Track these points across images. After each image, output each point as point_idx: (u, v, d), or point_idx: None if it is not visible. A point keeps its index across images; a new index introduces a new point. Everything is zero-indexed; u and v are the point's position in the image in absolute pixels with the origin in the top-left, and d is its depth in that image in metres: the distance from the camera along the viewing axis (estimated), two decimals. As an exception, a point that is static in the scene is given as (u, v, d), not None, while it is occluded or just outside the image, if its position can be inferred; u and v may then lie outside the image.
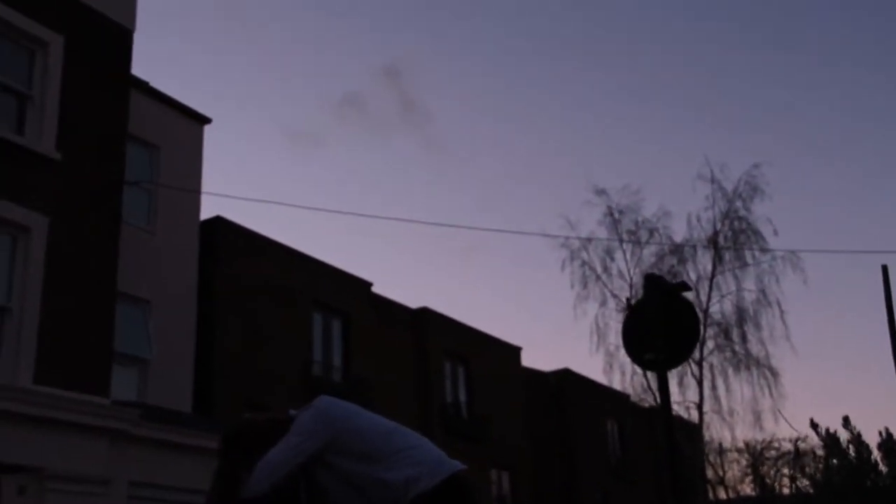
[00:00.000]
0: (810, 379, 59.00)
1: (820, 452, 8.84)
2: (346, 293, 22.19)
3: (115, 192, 14.69)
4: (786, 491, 29.84)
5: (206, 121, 19.30)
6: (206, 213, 19.01)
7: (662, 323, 8.80)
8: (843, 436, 8.67)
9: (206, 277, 18.25)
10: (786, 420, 21.60)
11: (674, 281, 11.78)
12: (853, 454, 8.47)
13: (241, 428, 3.86)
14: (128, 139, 15.42)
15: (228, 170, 69.37)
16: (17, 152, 13.37)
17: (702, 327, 22.59)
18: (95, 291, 13.95)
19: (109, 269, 14.27)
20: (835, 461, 8.49)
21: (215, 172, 64.36)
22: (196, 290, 17.77)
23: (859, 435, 8.51)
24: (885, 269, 9.61)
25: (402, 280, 71.87)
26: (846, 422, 8.63)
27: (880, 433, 8.57)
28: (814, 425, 8.69)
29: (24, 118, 13.85)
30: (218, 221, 19.46)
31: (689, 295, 10.25)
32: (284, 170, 76.93)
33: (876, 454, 8.57)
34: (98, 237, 14.21)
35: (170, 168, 17.83)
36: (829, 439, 8.48)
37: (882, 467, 8.41)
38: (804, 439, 25.99)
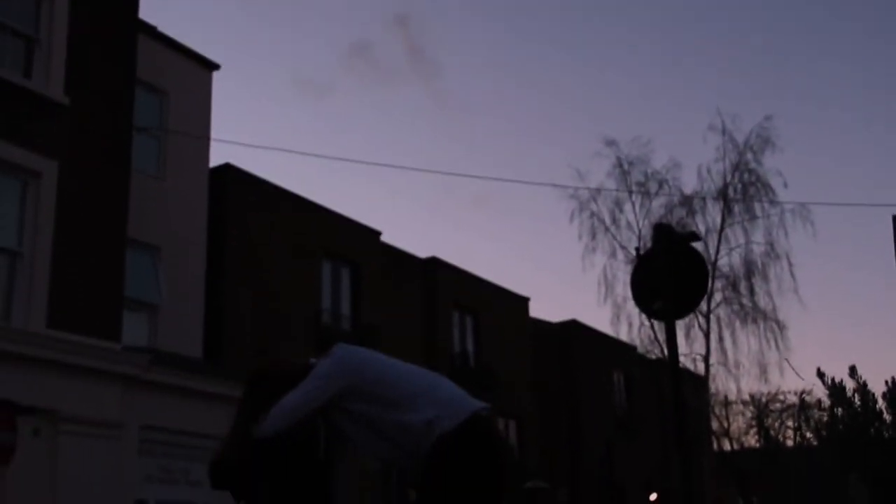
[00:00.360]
0: (817, 332, 59.16)
1: (826, 402, 8.96)
2: (355, 242, 22.21)
3: (125, 138, 14.67)
4: (789, 443, 30.10)
5: (215, 67, 19.17)
6: (215, 161, 19.01)
7: (671, 273, 8.79)
8: (850, 385, 8.77)
9: (215, 225, 18.29)
10: (793, 368, 21.91)
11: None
12: (858, 403, 8.52)
13: (265, 369, 3.89)
14: (136, 85, 15.36)
15: (237, 118, 69.14)
16: (24, 96, 13.34)
17: (710, 279, 22.63)
18: (105, 237, 14.01)
19: (119, 215, 14.31)
20: (840, 410, 8.53)
21: (224, 120, 64.12)
22: (206, 238, 17.82)
23: (865, 384, 8.57)
24: (895, 219, 9.58)
25: (412, 230, 71.98)
26: (852, 371, 8.71)
27: (886, 382, 8.68)
28: (820, 374, 8.80)
29: (32, 62, 13.79)
30: (227, 169, 19.43)
31: (698, 247, 10.23)
32: (293, 118, 76.65)
33: (881, 403, 8.62)
34: (108, 183, 14.22)
35: (178, 115, 17.77)
36: (835, 388, 8.52)
37: (886, 416, 8.46)
38: (809, 392, 26.12)
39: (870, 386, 8.77)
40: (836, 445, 8.70)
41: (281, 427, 3.60)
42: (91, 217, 13.83)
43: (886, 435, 8.32)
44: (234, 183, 19.48)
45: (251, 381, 3.85)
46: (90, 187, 13.90)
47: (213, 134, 18.58)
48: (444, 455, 3.43)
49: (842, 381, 8.63)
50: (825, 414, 8.86)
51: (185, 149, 17.70)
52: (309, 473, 3.73)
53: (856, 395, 8.49)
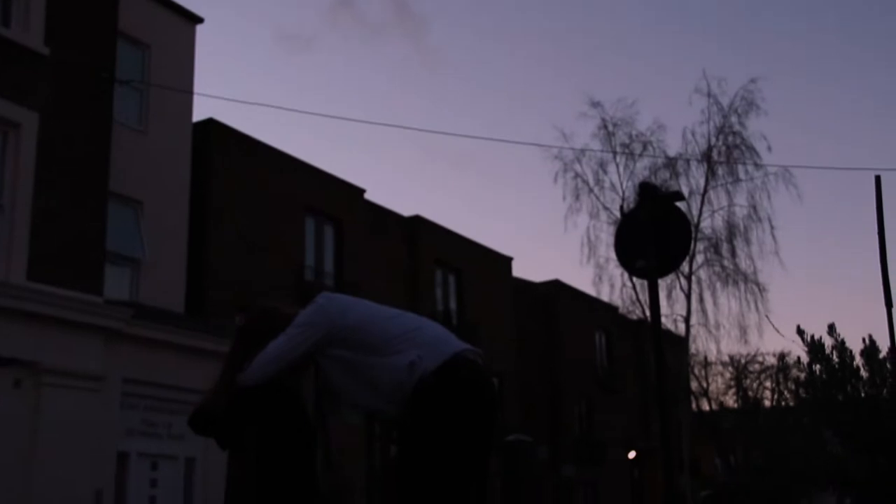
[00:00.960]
0: (798, 294, 59.75)
1: (805, 359, 9.10)
2: (338, 199, 22.15)
3: (107, 90, 14.50)
4: (767, 403, 30.46)
5: (198, 20, 18.92)
6: (198, 116, 18.84)
7: (655, 231, 8.83)
8: (828, 342, 8.89)
9: (198, 180, 18.17)
10: (773, 325, 22.19)
11: (667, 193, 11.73)
12: (836, 360, 8.67)
13: (255, 315, 3.89)
14: (118, 37, 15.15)
15: (220, 72, 68.43)
16: (3, 46, 13.12)
17: (693, 241, 22.73)
18: (87, 189, 13.89)
19: (101, 168, 14.19)
20: (818, 367, 8.67)
21: (207, 75, 63.47)
22: (188, 193, 17.71)
23: (843, 342, 8.69)
24: (877, 179, 9.65)
25: (395, 188, 71.84)
26: (831, 329, 8.82)
27: (863, 340, 8.79)
28: (800, 332, 8.89)
29: (10, 11, 13.56)
30: (210, 124, 19.28)
31: (681, 207, 10.24)
32: (276, 73, 75.96)
33: (858, 360, 8.78)
34: (89, 135, 14.08)
35: (161, 68, 17.56)
36: (814, 345, 8.67)
37: (863, 373, 8.61)
38: (788, 354, 26.37)
39: (848, 344, 9.00)
40: (814, 403, 8.84)
41: (264, 375, 3.60)
42: (72, 169, 13.70)
43: (863, 392, 8.47)
44: (217, 138, 19.34)
45: (240, 329, 3.85)
46: (71, 139, 13.76)
47: (196, 88, 18.41)
48: (425, 396, 3.41)
49: (821, 338, 8.81)
50: (803, 371, 8.99)
51: (168, 103, 17.52)
52: (297, 421, 3.74)
53: (834, 352, 8.64)
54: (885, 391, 8.72)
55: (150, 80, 17.16)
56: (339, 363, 3.57)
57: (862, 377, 8.79)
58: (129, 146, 16.21)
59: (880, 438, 8.53)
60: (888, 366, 8.74)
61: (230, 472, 3.84)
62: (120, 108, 15.88)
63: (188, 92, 17.77)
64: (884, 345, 9.51)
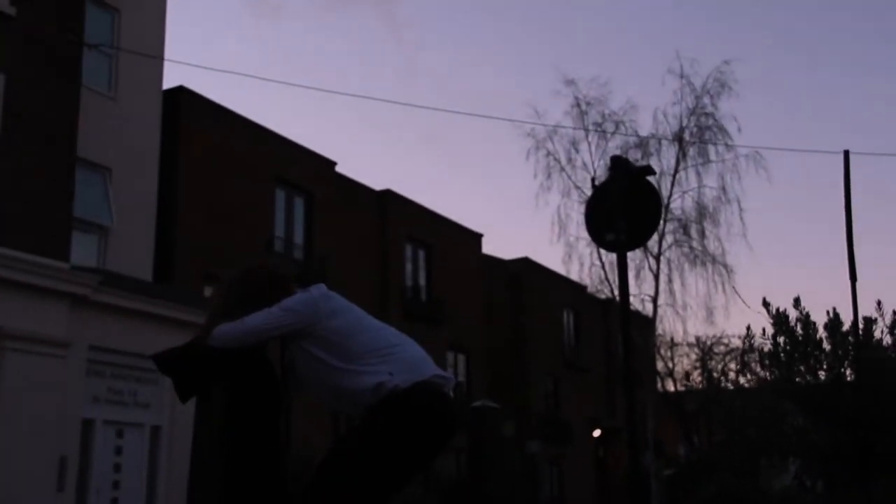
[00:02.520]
0: (765, 274, 60.44)
1: (770, 331, 9.25)
2: (309, 171, 22.04)
3: (75, 54, 14.28)
4: (731, 386, 30.83)
5: (169, -15, 18.65)
6: (168, 84, 18.61)
7: (625, 204, 8.88)
8: (793, 315, 9.01)
9: (168, 148, 17.98)
10: (740, 297, 22.40)
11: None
12: (800, 332, 8.79)
13: (249, 272, 3.85)
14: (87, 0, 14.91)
15: (191, 40, 67.64)
16: (-30, 5, 12.88)
17: (662, 220, 22.85)
18: (54, 154, 13.71)
19: (69, 132, 14.00)
20: (782, 339, 8.80)
21: (177, 42, 62.73)
22: (158, 160, 17.52)
23: (808, 315, 8.80)
24: (846, 154, 9.77)
25: (367, 161, 71.54)
26: (796, 302, 8.94)
27: (827, 313, 8.91)
28: (765, 304, 8.99)
29: (-24, -31, 13.30)
30: (181, 91, 19.07)
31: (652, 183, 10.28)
32: (247, 42, 75.23)
33: (822, 333, 8.93)
34: (57, 98, 13.87)
35: (131, 33, 17.31)
36: (779, 317, 8.77)
37: (826, 345, 8.75)
38: (753, 337, 26.67)
39: (813, 318, 9.12)
40: (778, 379, 8.96)
41: (233, 344, 3.58)
42: (39, 133, 13.50)
43: (825, 364, 8.61)
44: (187, 106, 19.14)
45: (230, 282, 3.81)
46: (39, 102, 13.55)
47: (167, 55, 18.18)
48: (386, 407, 3.40)
49: (785, 310, 8.93)
50: (768, 341, 9.13)
51: (138, 69, 17.28)
52: (266, 382, 3.73)
53: (798, 324, 8.76)
54: (846, 363, 8.87)
55: (120, 45, 16.91)
56: (308, 357, 3.57)
57: (825, 349, 8.93)
58: (98, 112, 16.00)
59: (841, 413, 8.68)
60: (850, 339, 8.89)
61: (196, 432, 3.81)
62: (89, 73, 15.64)
63: (158, 58, 17.54)
64: (848, 319, 9.69)
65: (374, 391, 3.41)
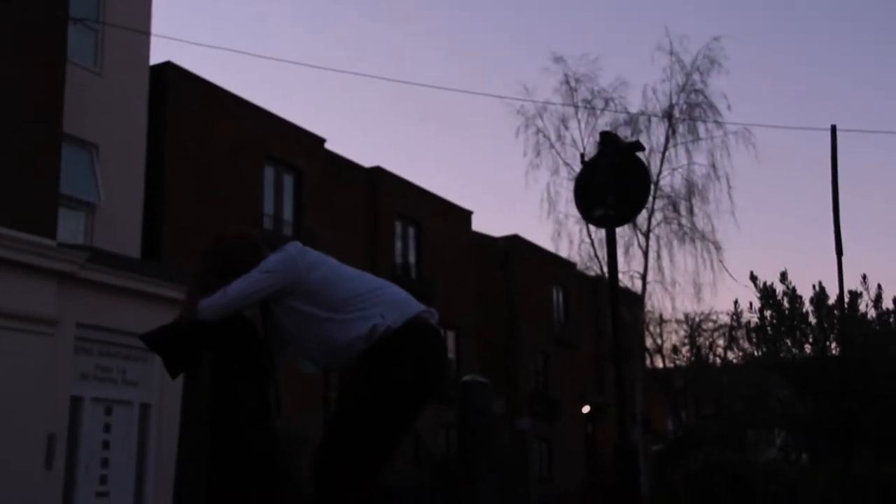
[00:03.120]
0: (753, 251, 60.67)
1: (757, 304, 9.30)
2: (298, 148, 21.95)
3: (60, 28, 14.14)
4: (719, 361, 31.01)
5: (156, -40, 18.46)
6: (155, 59, 18.45)
7: (614, 180, 8.87)
8: (780, 289, 9.06)
9: (155, 124, 17.85)
10: (727, 271, 22.49)
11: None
12: (787, 306, 8.85)
13: (219, 243, 3.84)
14: (72, -27, 14.74)
15: (178, 16, 67.10)
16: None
17: (651, 197, 22.87)
18: (40, 130, 13.60)
19: (55, 109, 13.88)
20: (769, 313, 8.85)
21: (165, 18, 62.22)
22: (145, 137, 17.40)
23: (794, 288, 8.87)
24: (833, 129, 9.78)
25: (357, 138, 71.34)
26: (783, 277, 8.97)
27: (813, 287, 8.96)
28: (753, 278, 9.02)
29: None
30: (168, 67, 18.92)
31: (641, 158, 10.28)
32: (234, 19, 74.71)
33: (808, 307, 9.00)
34: (43, 74, 13.75)
35: (116, 7, 17.12)
36: (766, 291, 8.81)
37: (812, 318, 8.82)
38: (740, 314, 26.78)
39: (799, 292, 9.18)
40: (766, 354, 9.01)
41: (222, 313, 3.60)
42: (25, 108, 13.38)
43: (811, 338, 8.67)
44: (175, 82, 19.01)
45: (212, 249, 3.80)
46: (24, 77, 13.42)
47: (154, 30, 18.01)
48: (381, 352, 3.46)
49: (772, 284, 8.97)
50: (755, 315, 9.18)
51: (125, 44, 17.11)
52: (253, 352, 3.73)
53: (785, 298, 8.81)
54: (831, 337, 8.94)
55: (105, 19, 16.74)
56: (295, 314, 3.58)
57: (811, 323, 9.00)
58: (84, 88, 15.87)
59: (826, 386, 8.76)
60: (835, 312, 8.95)
61: (184, 403, 3.82)
62: (75, 48, 15.49)
63: (144, 33, 17.38)
64: (834, 293, 9.77)
65: (367, 337, 3.46)
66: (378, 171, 25.31)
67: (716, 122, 25.22)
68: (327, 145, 23.08)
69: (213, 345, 3.67)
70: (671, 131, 25.49)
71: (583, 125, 25.99)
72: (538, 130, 26.12)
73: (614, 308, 8.96)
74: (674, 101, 25.49)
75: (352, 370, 3.54)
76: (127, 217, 16.61)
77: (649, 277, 25.48)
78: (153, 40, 17.89)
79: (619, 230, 9.55)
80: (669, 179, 25.89)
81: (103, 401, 14.52)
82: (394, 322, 3.47)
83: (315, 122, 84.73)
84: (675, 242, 25.70)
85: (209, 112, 19.53)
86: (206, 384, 3.68)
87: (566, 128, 26.10)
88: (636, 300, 25.92)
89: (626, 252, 25.43)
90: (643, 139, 25.35)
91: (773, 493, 7.53)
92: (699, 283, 25.84)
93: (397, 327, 3.47)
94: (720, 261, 25.09)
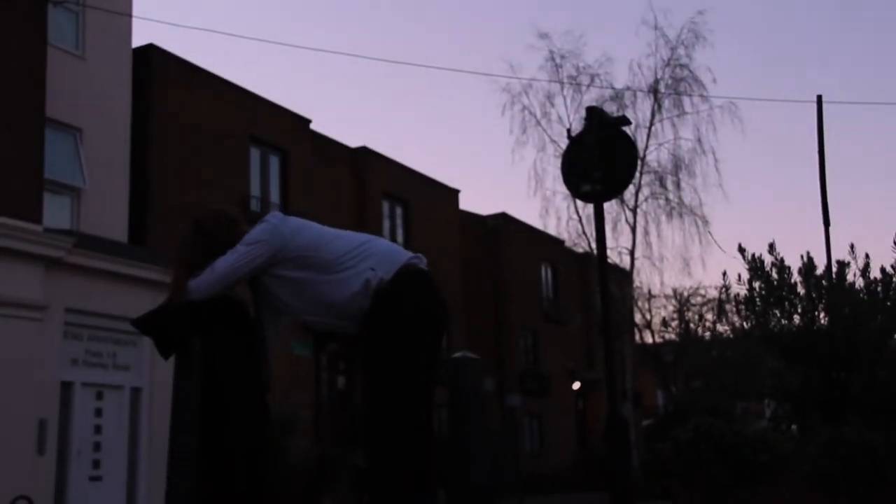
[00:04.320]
0: (740, 227, 60.91)
1: (745, 276, 9.34)
2: (284, 129, 21.85)
3: (40, 10, 14.00)
4: (708, 335, 31.18)
5: (136, -59, 18.27)
6: (138, 42, 18.30)
7: (601, 155, 8.88)
8: (768, 260, 9.09)
9: (139, 108, 17.73)
10: (715, 241, 22.64)
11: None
12: (775, 276, 8.87)
13: (212, 216, 3.83)
14: (52, -45, 14.59)
15: None
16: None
17: (638, 173, 22.92)
18: (23, 114, 13.50)
19: (37, 92, 13.77)
20: (757, 284, 8.88)
21: (146, 0, 61.64)
22: (129, 121, 17.29)
23: (782, 259, 8.93)
24: (819, 99, 9.80)
25: (342, 118, 71.09)
26: (771, 248, 9.00)
27: (801, 257, 8.98)
28: (741, 249, 9.05)
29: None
30: (151, 49, 18.78)
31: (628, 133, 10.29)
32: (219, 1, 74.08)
33: (796, 277, 9.04)
34: (24, 57, 13.62)
35: (98, -10, 16.96)
36: (754, 262, 8.83)
37: (800, 289, 8.87)
38: (729, 286, 26.89)
39: (787, 263, 9.23)
40: (754, 326, 9.06)
41: (212, 291, 3.59)
42: (6, 92, 13.28)
43: (799, 308, 8.71)
44: (158, 65, 18.87)
45: (196, 227, 3.79)
46: (4, 60, 13.30)
47: (136, 13, 17.84)
48: (385, 304, 3.47)
49: (761, 255, 9.00)
50: (744, 287, 9.22)
51: (107, 26, 16.96)
52: (244, 331, 3.73)
53: (773, 269, 8.83)
54: (820, 307, 9.00)
55: (87, 2, 16.59)
56: (290, 283, 3.57)
57: (799, 293, 9.05)
58: (66, 71, 15.73)
59: (815, 356, 8.82)
60: (824, 282, 9.00)
61: (175, 384, 3.81)
62: (56, 32, 15.36)
63: (126, 15, 17.23)
64: (822, 263, 9.83)
65: (363, 292, 3.46)
66: (364, 151, 25.24)
67: (701, 96, 25.31)
68: (312, 126, 22.99)
69: (204, 326, 3.66)
70: (657, 106, 25.55)
71: (568, 101, 26.03)
72: (524, 108, 26.14)
73: (603, 284, 9.00)
74: (659, 75, 25.53)
75: (363, 340, 3.53)
76: (113, 201, 16.53)
77: (637, 253, 25.61)
78: (135, 22, 17.76)
79: (606, 206, 9.57)
80: (656, 154, 25.99)
81: (94, 385, 14.51)
82: (385, 273, 3.48)
83: (300, 102, 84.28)
84: (663, 217, 25.83)
85: (193, 94, 19.41)
86: (197, 365, 3.67)
87: (552, 104, 26.13)
88: (625, 276, 26.03)
89: (614, 228, 25.55)
90: (629, 114, 25.36)
91: (764, 463, 7.60)
92: (687, 257, 26.04)
93: (389, 278, 3.48)
94: (708, 233, 25.24)
